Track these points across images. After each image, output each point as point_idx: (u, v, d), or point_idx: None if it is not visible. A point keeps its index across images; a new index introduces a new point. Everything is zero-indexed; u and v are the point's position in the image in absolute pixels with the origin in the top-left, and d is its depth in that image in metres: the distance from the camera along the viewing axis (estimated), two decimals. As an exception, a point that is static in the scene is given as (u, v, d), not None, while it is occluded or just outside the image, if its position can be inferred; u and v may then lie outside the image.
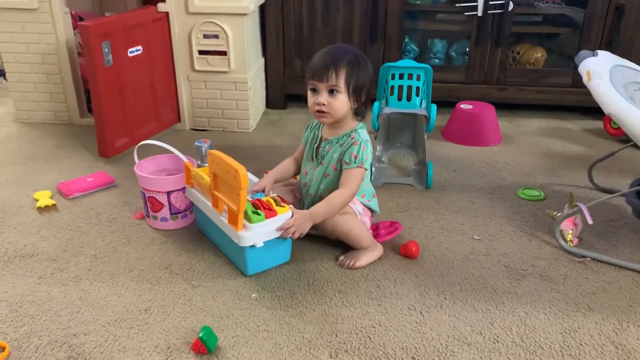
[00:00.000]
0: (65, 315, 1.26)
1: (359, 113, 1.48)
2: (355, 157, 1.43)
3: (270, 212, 1.36)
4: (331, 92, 1.40)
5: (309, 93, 1.44)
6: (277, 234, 1.37)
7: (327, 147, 1.49)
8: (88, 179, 1.86)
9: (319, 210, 1.41)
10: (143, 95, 2.20)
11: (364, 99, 1.45)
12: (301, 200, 1.59)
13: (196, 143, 1.72)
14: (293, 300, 1.32)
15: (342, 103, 1.41)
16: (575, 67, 1.59)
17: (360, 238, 1.45)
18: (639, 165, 2.05)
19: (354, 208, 1.48)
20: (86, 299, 1.31)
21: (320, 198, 1.50)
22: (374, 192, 1.57)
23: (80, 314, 1.26)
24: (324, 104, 1.41)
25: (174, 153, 1.58)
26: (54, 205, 1.73)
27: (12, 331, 1.21)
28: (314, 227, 1.50)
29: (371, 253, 1.46)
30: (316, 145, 1.52)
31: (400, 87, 1.87)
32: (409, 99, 1.87)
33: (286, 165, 1.60)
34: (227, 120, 2.38)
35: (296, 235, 1.39)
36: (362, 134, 1.46)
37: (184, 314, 1.27)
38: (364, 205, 1.52)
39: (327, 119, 1.44)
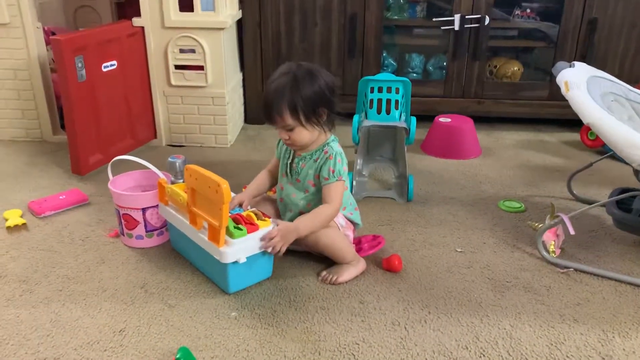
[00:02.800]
0: (34, 339, 1.20)
1: (328, 124, 1.42)
2: (333, 172, 1.40)
3: (252, 227, 1.32)
4: (288, 129, 1.38)
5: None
6: (260, 249, 1.34)
7: (301, 163, 1.46)
8: (60, 197, 1.80)
9: (305, 223, 1.38)
10: (118, 111, 2.15)
11: (325, 112, 1.38)
12: (279, 214, 1.56)
13: (169, 159, 1.67)
14: (274, 318, 1.28)
15: (301, 134, 1.39)
16: (554, 78, 1.60)
17: (342, 252, 1.42)
18: (617, 176, 2.07)
19: (336, 221, 1.45)
20: (57, 322, 1.26)
21: (301, 214, 1.47)
22: (356, 205, 1.55)
23: (50, 337, 1.20)
24: (287, 139, 1.41)
25: (149, 169, 1.53)
26: (24, 224, 1.67)
27: (-23, 357, 1.15)
28: (295, 242, 1.47)
29: (354, 268, 1.43)
30: (289, 160, 1.49)
31: (380, 101, 1.87)
32: (388, 112, 1.87)
33: (261, 179, 1.57)
34: (204, 136, 2.34)
35: (279, 246, 1.34)
36: (335, 146, 1.44)
37: (160, 335, 1.22)
38: (347, 219, 1.49)
39: (297, 147, 1.44)
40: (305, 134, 1.39)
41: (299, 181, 1.47)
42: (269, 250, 1.34)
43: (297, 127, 1.37)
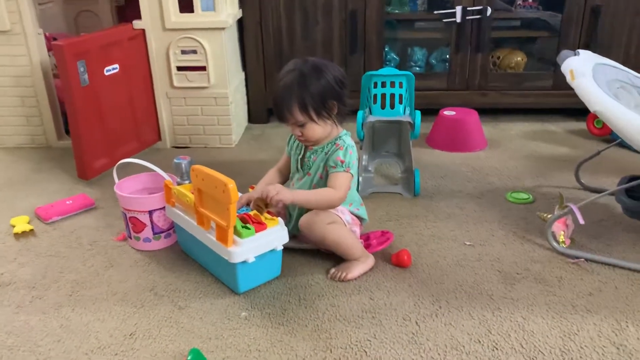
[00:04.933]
0: (45, 345, 1.20)
1: (339, 117, 1.43)
2: (342, 162, 1.40)
3: (260, 226, 1.32)
4: (299, 125, 1.39)
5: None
6: (269, 248, 1.33)
7: (312, 156, 1.46)
8: (67, 202, 1.80)
9: (302, 193, 1.41)
10: (122, 114, 2.15)
11: (335, 105, 1.39)
12: (286, 211, 1.55)
13: (175, 160, 1.67)
14: (284, 316, 1.28)
15: (313, 129, 1.40)
16: (558, 67, 1.58)
17: (350, 248, 1.41)
18: (625, 164, 2.05)
19: (342, 218, 1.44)
20: (67, 327, 1.26)
21: (308, 210, 1.47)
22: (362, 201, 1.55)
23: (61, 343, 1.20)
24: (300, 135, 1.41)
25: (154, 171, 1.53)
26: (31, 230, 1.67)
27: (-11, 364, 1.15)
28: (304, 239, 1.47)
29: (363, 264, 1.42)
30: (300, 156, 1.49)
31: (383, 95, 1.85)
32: (392, 106, 1.85)
33: (270, 177, 1.56)
34: (209, 137, 2.34)
35: (272, 193, 1.33)
36: (347, 139, 1.44)
37: (171, 337, 1.22)
38: (353, 214, 1.49)
39: (310, 143, 1.45)
40: (317, 129, 1.39)
41: (310, 175, 1.46)
42: (263, 194, 1.34)
43: (309, 122, 1.38)
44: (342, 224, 1.44)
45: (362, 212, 1.53)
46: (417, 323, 1.25)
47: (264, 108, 2.62)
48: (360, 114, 1.93)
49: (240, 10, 2.43)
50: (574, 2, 2.38)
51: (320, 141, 1.45)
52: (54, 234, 1.67)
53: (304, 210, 1.47)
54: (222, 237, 1.29)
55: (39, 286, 1.41)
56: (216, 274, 1.42)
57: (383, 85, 1.86)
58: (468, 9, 2.40)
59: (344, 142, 1.43)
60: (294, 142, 1.52)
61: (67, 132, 2.30)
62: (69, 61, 1.87)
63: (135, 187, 1.63)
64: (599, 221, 1.67)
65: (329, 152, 1.43)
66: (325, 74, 1.37)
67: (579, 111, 2.42)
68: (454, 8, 2.41)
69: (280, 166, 1.58)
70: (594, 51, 1.69)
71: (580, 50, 1.58)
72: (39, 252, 1.57)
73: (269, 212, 1.39)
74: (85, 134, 1.97)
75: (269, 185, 1.36)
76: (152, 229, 1.53)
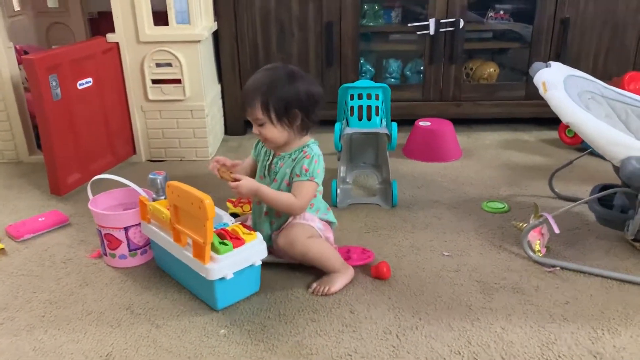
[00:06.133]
0: (17, 369, 1.17)
1: (303, 129, 1.43)
2: (307, 170, 1.40)
3: (238, 241, 1.31)
4: (259, 123, 1.39)
5: None
6: (247, 264, 1.32)
7: (279, 162, 1.46)
8: (40, 219, 1.76)
9: (268, 191, 1.40)
10: (95, 129, 2.11)
11: (299, 116, 1.39)
12: (252, 218, 1.55)
13: (150, 175, 1.64)
14: (264, 333, 1.26)
15: (271, 131, 1.39)
16: (530, 77, 1.61)
17: (331, 261, 1.41)
18: (597, 172, 2.10)
19: (314, 226, 1.44)
20: (41, 349, 1.22)
21: (277, 215, 1.47)
22: (328, 206, 1.55)
23: (34, 366, 1.17)
24: (258, 134, 1.42)
25: (129, 187, 1.51)
26: (2, 249, 1.63)
27: (-42, 391, 1.11)
28: (282, 254, 1.46)
29: (344, 276, 1.42)
30: (268, 162, 1.48)
31: (360, 107, 1.87)
32: (369, 118, 1.87)
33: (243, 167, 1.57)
34: (185, 150, 2.32)
35: (234, 191, 1.37)
36: (315, 148, 1.45)
37: (148, 357, 1.19)
38: (322, 220, 1.49)
39: (269, 145, 1.45)
40: (275, 132, 1.39)
41: (276, 181, 1.46)
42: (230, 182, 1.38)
43: (267, 123, 1.38)
44: (322, 238, 1.44)
45: (330, 216, 1.54)
46: (397, 336, 1.25)
47: (241, 120, 2.61)
48: (337, 125, 1.93)
49: (216, 22, 2.42)
50: (544, 14, 2.44)
51: (285, 147, 1.45)
52: (25, 252, 1.62)
53: (272, 216, 1.47)
54: (199, 254, 1.27)
55: (11, 307, 1.37)
56: (194, 291, 1.40)
57: (359, 97, 1.87)
58: (441, 21, 2.43)
59: (311, 150, 1.44)
60: (262, 147, 1.52)
61: (39, 146, 2.25)
62: (41, 75, 1.84)
63: (110, 203, 1.60)
64: (573, 229, 1.70)
65: (297, 159, 1.43)
66: (298, 84, 1.38)
67: (551, 120, 2.46)
68: (428, 20, 2.44)
69: (244, 166, 1.57)
70: (564, 62, 1.73)
71: (551, 62, 1.62)
72: (10, 272, 1.52)
73: (244, 226, 1.38)
74: (57, 148, 1.93)
75: (234, 184, 1.37)
76: (128, 245, 1.50)
